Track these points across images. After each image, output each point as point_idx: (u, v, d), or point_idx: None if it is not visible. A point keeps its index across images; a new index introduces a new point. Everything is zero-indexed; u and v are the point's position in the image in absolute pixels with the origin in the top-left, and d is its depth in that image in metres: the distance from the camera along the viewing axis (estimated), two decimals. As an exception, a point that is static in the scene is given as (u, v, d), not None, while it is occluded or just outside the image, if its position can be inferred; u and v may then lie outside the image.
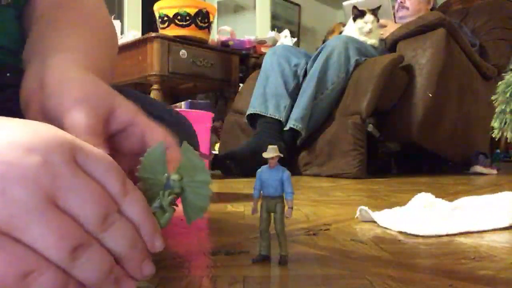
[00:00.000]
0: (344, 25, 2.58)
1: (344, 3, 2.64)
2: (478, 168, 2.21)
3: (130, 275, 0.28)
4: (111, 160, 0.29)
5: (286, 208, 0.45)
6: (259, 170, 0.46)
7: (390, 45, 2.24)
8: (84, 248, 0.25)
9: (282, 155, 0.45)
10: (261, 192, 0.46)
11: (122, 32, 3.10)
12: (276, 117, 2.10)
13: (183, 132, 0.62)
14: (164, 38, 2.40)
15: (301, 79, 2.21)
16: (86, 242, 0.25)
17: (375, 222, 0.70)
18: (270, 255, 0.47)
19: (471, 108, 2.35)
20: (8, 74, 0.55)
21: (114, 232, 0.26)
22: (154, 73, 2.37)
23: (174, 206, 0.35)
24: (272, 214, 0.46)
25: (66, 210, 0.25)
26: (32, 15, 0.55)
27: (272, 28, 4.02)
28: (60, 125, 0.33)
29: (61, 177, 0.25)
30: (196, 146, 0.67)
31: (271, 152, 0.45)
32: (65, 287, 0.24)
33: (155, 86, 2.40)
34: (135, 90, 0.64)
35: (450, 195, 1.15)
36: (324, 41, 2.72)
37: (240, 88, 2.67)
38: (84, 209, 0.25)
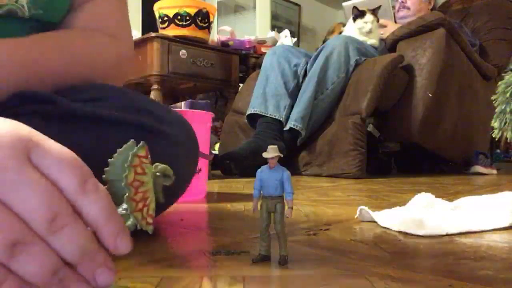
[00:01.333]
0: (344, 25, 2.59)
1: (344, 3, 2.64)
2: (478, 168, 2.21)
3: (84, 279, 0.27)
4: (71, 157, 0.27)
5: (286, 208, 0.45)
6: (259, 170, 0.46)
7: (390, 45, 2.24)
8: (24, 245, 0.24)
9: (282, 155, 0.45)
10: (261, 192, 0.46)
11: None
12: (276, 117, 2.10)
13: (183, 132, 0.62)
14: (164, 38, 2.40)
15: (301, 79, 2.21)
16: (27, 239, 0.24)
17: (375, 222, 0.70)
18: (270, 255, 0.47)
19: (471, 108, 2.35)
20: None
21: (62, 236, 0.25)
22: (154, 73, 2.37)
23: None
24: (272, 214, 0.46)
25: (10, 206, 0.24)
26: None
27: (272, 28, 4.02)
28: None
29: (6, 172, 0.24)
30: (195, 146, 0.67)
31: (271, 152, 0.45)
32: (4, 280, 0.24)
33: (155, 86, 2.40)
34: (134, 91, 0.64)
35: (450, 195, 1.15)
36: (324, 41, 2.72)
37: (240, 88, 2.66)
38: (27, 207, 0.24)
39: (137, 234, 0.33)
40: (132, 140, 0.32)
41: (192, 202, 1.01)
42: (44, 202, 0.25)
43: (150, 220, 0.33)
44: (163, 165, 0.34)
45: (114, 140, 0.35)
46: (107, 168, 0.32)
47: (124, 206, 0.31)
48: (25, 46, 0.55)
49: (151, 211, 0.33)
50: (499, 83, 0.49)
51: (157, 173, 0.34)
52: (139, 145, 0.32)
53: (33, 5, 0.60)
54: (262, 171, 0.46)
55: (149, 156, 0.33)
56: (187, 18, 2.44)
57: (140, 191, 0.32)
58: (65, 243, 0.25)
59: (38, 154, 0.26)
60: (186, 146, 0.62)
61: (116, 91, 0.61)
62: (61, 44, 0.60)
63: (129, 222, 0.32)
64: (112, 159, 0.32)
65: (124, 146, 0.32)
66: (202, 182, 1.14)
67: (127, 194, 0.31)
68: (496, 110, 0.48)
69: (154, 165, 0.34)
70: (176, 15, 2.44)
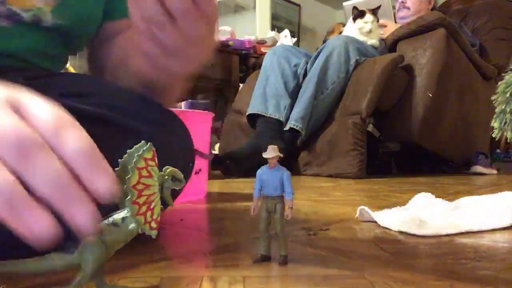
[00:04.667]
0: (344, 25, 2.58)
1: (344, 3, 2.64)
2: (478, 168, 2.21)
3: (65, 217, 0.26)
4: (52, 107, 0.28)
5: (286, 208, 0.45)
6: (259, 170, 0.46)
7: (390, 45, 2.24)
8: None
9: (282, 155, 0.45)
10: (261, 192, 0.46)
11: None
12: (276, 117, 2.10)
13: (175, 132, 0.62)
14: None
15: (301, 79, 2.21)
16: None
17: (375, 222, 0.70)
18: (270, 255, 0.47)
19: (471, 108, 2.35)
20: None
21: (35, 170, 0.25)
22: (154, 73, 2.37)
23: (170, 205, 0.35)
24: (272, 214, 0.46)
25: None
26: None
27: (272, 28, 4.02)
28: None
29: None
30: (190, 147, 0.67)
31: (271, 152, 0.45)
32: None
33: (155, 86, 2.40)
34: (129, 90, 0.63)
35: (450, 195, 1.15)
36: (324, 41, 2.72)
37: (240, 88, 2.66)
38: None
39: (137, 235, 0.33)
40: (143, 141, 0.32)
41: (192, 202, 1.01)
42: (13, 136, 0.25)
43: (154, 225, 0.33)
44: (173, 168, 0.34)
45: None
46: (116, 169, 0.31)
47: (127, 209, 0.31)
48: None
49: (156, 215, 0.33)
50: (499, 83, 0.49)
51: (166, 176, 0.34)
52: (145, 147, 0.32)
53: (57, 14, 0.60)
54: (262, 171, 0.46)
55: (156, 159, 0.33)
56: (187, 18, 2.44)
57: (144, 194, 0.32)
58: (36, 174, 0.25)
59: (22, 106, 0.27)
60: (179, 151, 0.61)
61: (102, 86, 0.61)
62: None
63: (131, 226, 0.32)
64: (122, 159, 0.32)
65: (135, 146, 0.32)
66: (202, 182, 1.14)
67: (128, 197, 0.31)
68: (496, 110, 0.48)
69: (164, 168, 0.34)
70: (176, 15, 2.44)
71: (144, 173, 0.32)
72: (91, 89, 0.58)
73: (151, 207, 0.32)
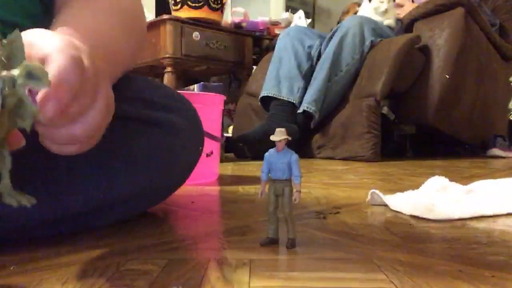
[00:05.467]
0: (359, 5, 2.53)
1: (360, -18, 2.57)
2: (496, 151, 2.17)
3: None
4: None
5: (294, 191, 0.44)
6: (267, 153, 0.46)
7: (406, 25, 2.19)
8: None
9: (289, 138, 0.45)
10: (270, 175, 0.46)
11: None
12: (290, 100, 2.08)
13: (185, 115, 0.62)
14: (177, 20, 2.39)
15: (315, 60, 2.18)
16: None
17: (386, 205, 0.69)
18: (278, 238, 0.47)
19: (489, 90, 2.29)
20: None
21: None
22: (167, 55, 2.37)
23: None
24: (280, 197, 0.45)
25: None
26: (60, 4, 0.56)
27: (286, 9, 3.96)
28: None
29: None
30: (200, 130, 0.67)
31: (279, 135, 0.44)
32: None
33: (168, 69, 2.39)
34: (140, 76, 0.63)
35: (465, 179, 1.13)
36: (338, 22, 2.67)
37: (253, 70, 2.65)
38: None
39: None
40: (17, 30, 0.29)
41: (204, 184, 1.01)
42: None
43: None
44: (30, 63, 0.29)
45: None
46: None
47: None
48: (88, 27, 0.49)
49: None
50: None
51: (17, 71, 0.28)
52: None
53: None
54: (270, 154, 0.45)
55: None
56: (200, -1, 2.42)
57: None
58: None
59: None
60: (188, 134, 0.61)
61: None
62: (115, 20, 0.55)
63: None
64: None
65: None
66: (214, 165, 1.14)
67: None
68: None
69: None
70: (189, -4, 2.42)
71: None
72: None
73: None
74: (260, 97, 2.18)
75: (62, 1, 0.56)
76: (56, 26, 0.44)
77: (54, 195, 0.47)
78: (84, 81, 0.34)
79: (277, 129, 0.45)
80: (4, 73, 0.28)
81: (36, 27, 0.37)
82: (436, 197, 0.71)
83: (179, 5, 2.45)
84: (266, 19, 3.00)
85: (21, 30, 0.30)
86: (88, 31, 0.45)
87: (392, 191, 0.79)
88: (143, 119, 0.55)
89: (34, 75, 0.28)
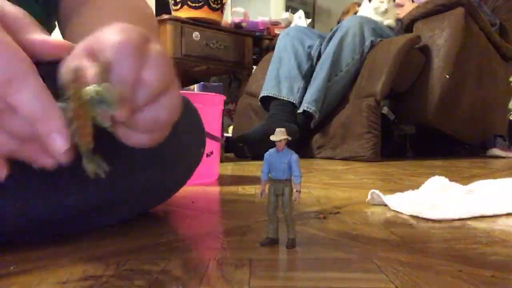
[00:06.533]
0: (359, 5, 2.53)
1: (360, -18, 2.57)
2: (496, 151, 2.17)
3: None
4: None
5: (294, 191, 0.44)
6: (266, 153, 0.46)
7: (406, 25, 2.20)
8: None
9: (289, 138, 0.45)
10: (269, 175, 0.46)
11: (135, 15, 3.08)
12: (290, 100, 2.08)
13: (187, 116, 0.62)
14: (177, 20, 2.39)
15: (315, 60, 2.18)
16: None
17: (386, 205, 0.69)
18: (278, 238, 0.47)
19: (489, 90, 2.30)
20: None
21: None
22: (167, 55, 2.37)
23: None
24: (280, 197, 0.45)
25: None
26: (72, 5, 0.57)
27: (286, 9, 3.96)
28: None
29: None
30: (201, 131, 0.67)
31: (279, 135, 0.44)
32: None
33: (168, 69, 2.39)
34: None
35: (465, 179, 1.13)
36: (338, 22, 2.67)
37: (253, 70, 2.65)
38: None
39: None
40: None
41: (204, 184, 1.01)
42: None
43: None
44: (97, 88, 0.31)
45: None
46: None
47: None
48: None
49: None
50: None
51: (88, 96, 0.31)
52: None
53: None
54: (270, 154, 0.45)
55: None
56: (200, -1, 2.42)
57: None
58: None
59: None
60: (190, 135, 0.61)
61: None
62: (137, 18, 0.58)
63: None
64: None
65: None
66: (214, 165, 1.14)
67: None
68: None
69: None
70: (188, -4, 2.42)
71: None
72: None
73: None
74: (260, 97, 2.18)
75: (70, 5, 0.56)
76: (87, 25, 0.45)
77: (54, 195, 0.47)
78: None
79: (277, 129, 0.45)
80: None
81: None
82: (436, 197, 0.71)
83: (179, 5, 2.45)
84: (266, 19, 3.00)
85: None
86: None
87: (392, 191, 0.79)
88: None
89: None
